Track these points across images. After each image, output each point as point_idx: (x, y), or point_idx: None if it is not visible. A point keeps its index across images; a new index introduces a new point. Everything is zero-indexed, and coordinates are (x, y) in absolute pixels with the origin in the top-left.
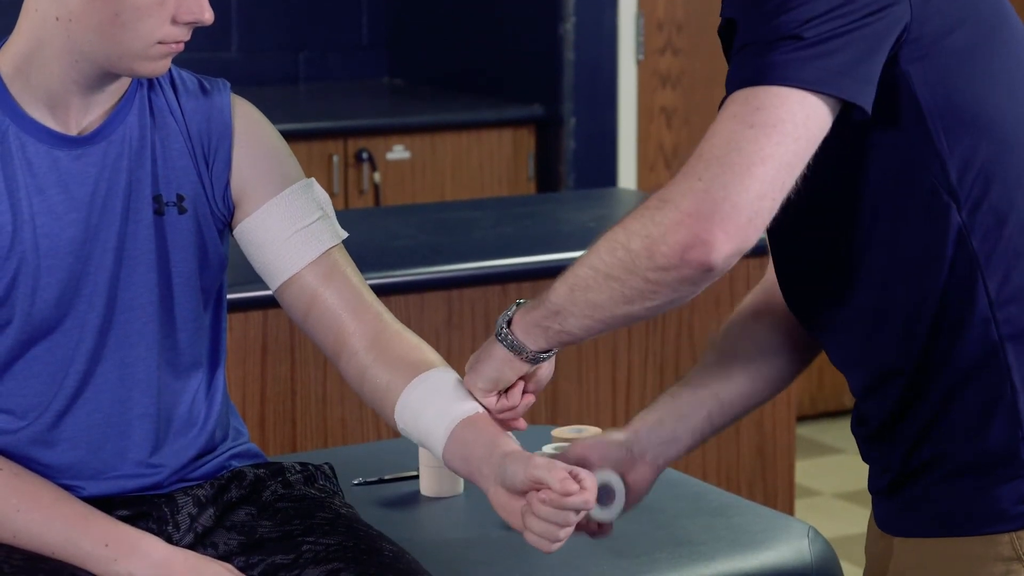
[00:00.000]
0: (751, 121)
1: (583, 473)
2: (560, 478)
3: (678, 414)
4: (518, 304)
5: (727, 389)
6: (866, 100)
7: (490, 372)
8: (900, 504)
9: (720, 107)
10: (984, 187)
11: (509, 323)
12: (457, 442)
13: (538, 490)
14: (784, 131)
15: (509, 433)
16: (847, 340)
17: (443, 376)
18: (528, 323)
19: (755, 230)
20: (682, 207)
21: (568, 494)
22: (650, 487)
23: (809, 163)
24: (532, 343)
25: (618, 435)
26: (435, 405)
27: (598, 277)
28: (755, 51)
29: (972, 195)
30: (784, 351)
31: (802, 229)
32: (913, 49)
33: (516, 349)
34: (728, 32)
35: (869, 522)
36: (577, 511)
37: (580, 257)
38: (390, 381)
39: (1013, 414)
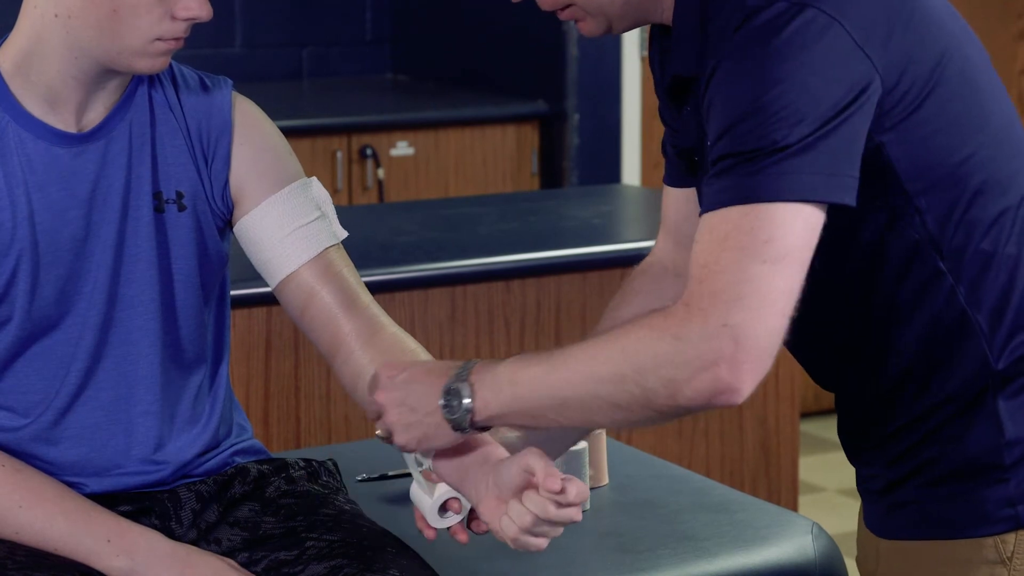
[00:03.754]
0: (763, 256)
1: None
2: (546, 473)
3: None
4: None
5: None
6: (854, 196)
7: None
8: (888, 507)
9: (706, 208)
10: (967, 235)
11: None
12: (448, 451)
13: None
14: (794, 259)
15: (498, 443)
16: (843, 387)
17: None
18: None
19: (774, 356)
20: (706, 353)
21: (549, 489)
22: None
23: None
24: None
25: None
26: None
27: (603, 405)
28: (744, 165)
29: (955, 243)
30: None
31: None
32: (884, 121)
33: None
34: (678, 87)
35: (859, 522)
36: (559, 505)
37: (565, 369)
38: None
39: (995, 421)
